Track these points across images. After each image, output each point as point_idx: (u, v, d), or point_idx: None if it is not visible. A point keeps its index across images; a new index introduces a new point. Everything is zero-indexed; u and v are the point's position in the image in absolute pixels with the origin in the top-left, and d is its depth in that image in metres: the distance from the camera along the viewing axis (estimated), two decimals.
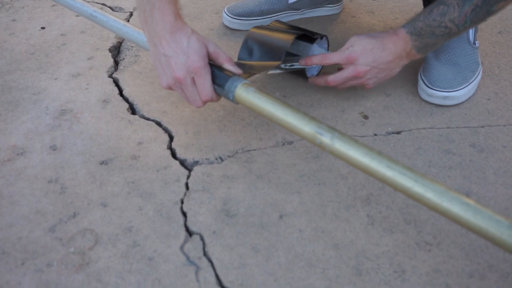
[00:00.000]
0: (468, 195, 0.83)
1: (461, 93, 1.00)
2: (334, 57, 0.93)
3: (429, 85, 1.01)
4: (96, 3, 1.42)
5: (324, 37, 1.06)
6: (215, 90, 0.82)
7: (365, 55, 0.90)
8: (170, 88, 0.84)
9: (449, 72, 1.01)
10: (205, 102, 0.83)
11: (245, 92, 0.78)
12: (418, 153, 0.91)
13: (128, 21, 1.32)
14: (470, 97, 1.03)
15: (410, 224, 0.79)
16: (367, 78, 0.93)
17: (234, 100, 0.80)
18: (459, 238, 0.77)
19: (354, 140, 0.67)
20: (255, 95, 0.76)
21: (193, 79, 0.80)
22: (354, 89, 1.06)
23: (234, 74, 0.81)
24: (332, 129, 0.69)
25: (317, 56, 0.95)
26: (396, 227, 0.78)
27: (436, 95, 1.00)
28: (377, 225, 0.79)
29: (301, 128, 0.71)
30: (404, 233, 0.77)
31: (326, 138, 0.68)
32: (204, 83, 0.80)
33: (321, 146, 0.69)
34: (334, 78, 0.94)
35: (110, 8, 1.39)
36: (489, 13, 0.80)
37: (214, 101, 0.84)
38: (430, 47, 0.89)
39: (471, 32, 1.05)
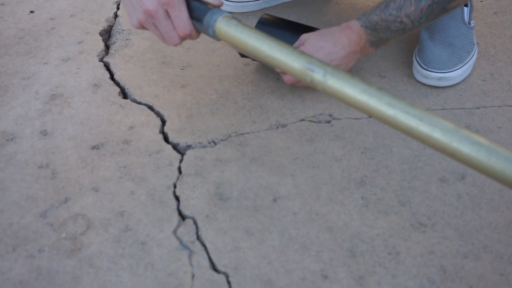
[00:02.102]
0: (463, 177, 0.83)
1: (456, 74, 0.99)
2: None
3: (424, 66, 0.99)
4: None
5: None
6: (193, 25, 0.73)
7: (317, 54, 0.87)
8: (141, 26, 0.75)
9: (444, 53, 1.00)
10: (183, 38, 0.74)
11: (226, 26, 0.68)
12: None
13: (119, 5, 1.30)
14: (465, 78, 1.02)
15: (405, 206, 0.78)
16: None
17: (215, 36, 0.70)
18: (453, 219, 0.76)
19: (349, 75, 0.60)
20: (238, 29, 0.67)
21: (166, 12, 0.71)
22: (348, 71, 1.05)
23: (214, 6, 0.71)
24: (325, 64, 0.61)
25: (284, 77, 0.94)
26: (391, 209, 0.78)
27: (431, 76, 0.98)
28: (372, 207, 0.78)
29: (290, 64, 0.62)
30: (398, 215, 0.77)
31: (318, 75, 0.60)
32: (179, 15, 0.71)
33: (312, 84, 0.62)
34: (288, 78, 0.92)
35: None
36: (444, 10, 0.79)
37: (193, 37, 0.75)
38: (384, 42, 0.88)
39: (466, 11, 1.04)
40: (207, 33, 0.71)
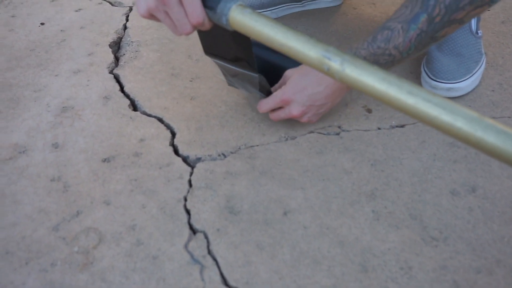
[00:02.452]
0: (474, 189, 0.83)
1: (465, 84, 0.99)
2: (268, 103, 0.90)
3: (433, 77, 0.99)
4: None
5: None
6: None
7: (299, 94, 0.86)
8: (150, 14, 0.71)
9: (452, 63, 1.00)
10: (194, 27, 0.71)
11: (240, 15, 0.66)
12: (423, 146, 0.91)
13: (128, 16, 1.31)
14: (474, 89, 1.02)
15: (416, 219, 0.78)
16: (308, 116, 0.90)
17: (228, 24, 0.68)
18: (465, 233, 0.76)
19: (368, 64, 0.59)
20: (252, 17, 0.65)
21: None
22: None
23: None
24: (342, 52, 0.60)
25: (259, 104, 0.93)
26: (402, 222, 0.78)
27: (440, 87, 0.99)
28: (383, 221, 0.78)
29: (306, 53, 0.61)
30: (410, 228, 0.77)
31: (335, 63, 0.59)
32: (193, 2, 0.67)
33: (329, 73, 0.61)
34: (263, 107, 0.91)
35: (110, 3, 1.38)
36: (433, 39, 0.76)
37: (206, 27, 0.71)
38: None
39: (473, 21, 1.04)
40: (220, 22, 0.69)
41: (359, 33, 1.19)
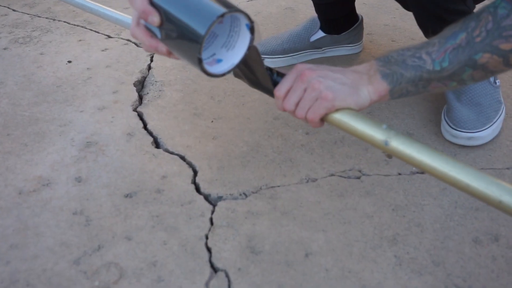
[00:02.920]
0: (496, 238, 0.82)
1: (486, 133, 1.00)
2: (286, 81, 0.73)
3: (453, 126, 1.01)
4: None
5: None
6: None
7: (315, 66, 0.74)
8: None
9: (472, 113, 1.02)
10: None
11: None
12: (443, 193, 0.91)
13: (152, 57, 1.35)
14: (494, 138, 1.03)
15: (439, 266, 0.77)
16: (315, 80, 0.70)
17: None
18: (489, 282, 0.75)
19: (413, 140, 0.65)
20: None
21: None
22: (391, 99, 1.06)
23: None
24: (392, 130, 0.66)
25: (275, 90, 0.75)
26: (425, 269, 0.77)
27: (461, 136, 1.00)
28: (405, 266, 0.77)
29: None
30: (433, 275, 0.76)
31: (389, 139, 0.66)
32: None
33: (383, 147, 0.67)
34: (278, 88, 0.73)
35: (135, 44, 1.42)
36: (471, 60, 0.68)
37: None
38: (398, 81, 0.71)
39: None
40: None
41: None
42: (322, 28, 1.28)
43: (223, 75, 0.66)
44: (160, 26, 0.63)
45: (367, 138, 0.69)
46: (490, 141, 1.02)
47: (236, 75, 0.77)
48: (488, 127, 1.01)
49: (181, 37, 0.61)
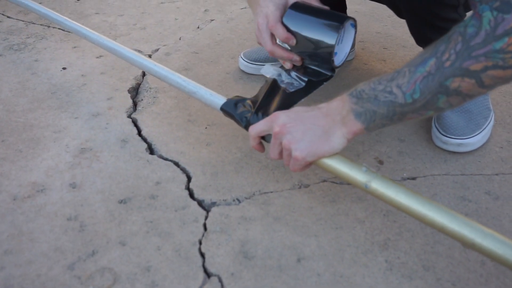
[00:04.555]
0: None
1: (475, 140, 1.02)
2: (259, 125, 0.81)
3: (443, 133, 1.02)
4: None
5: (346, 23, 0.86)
6: None
7: (288, 112, 0.78)
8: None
9: (461, 119, 1.04)
10: None
11: None
12: (434, 199, 0.92)
13: None
14: (483, 144, 1.05)
15: (429, 271, 0.79)
16: (286, 140, 0.75)
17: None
18: (478, 286, 0.76)
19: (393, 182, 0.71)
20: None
21: None
22: (368, 134, 1.08)
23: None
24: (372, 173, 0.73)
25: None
26: (415, 273, 0.78)
27: (451, 142, 1.01)
28: (396, 271, 0.79)
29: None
30: (423, 280, 0.77)
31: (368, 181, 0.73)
32: None
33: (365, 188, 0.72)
34: (252, 129, 0.82)
35: None
36: (442, 87, 0.64)
37: None
38: (372, 118, 0.71)
39: None
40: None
41: None
42: None
43: (343, 64, 0.92)
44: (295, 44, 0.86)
45: (349, 181, 0.75)
46: (479, 147, 1.04)
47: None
48: (478, 134, 1.03)
49: (315, 49, 0.85)
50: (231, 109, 0.88)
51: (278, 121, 0.77)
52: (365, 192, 0.73)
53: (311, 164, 0.77)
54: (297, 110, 0.78)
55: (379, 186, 0.70)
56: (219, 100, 0.89)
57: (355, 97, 0.73)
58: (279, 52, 0.87)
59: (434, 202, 0.68)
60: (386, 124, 0.72)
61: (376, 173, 0.72)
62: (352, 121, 0.73)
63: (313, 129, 0.74)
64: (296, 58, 0.88)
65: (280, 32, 0.85)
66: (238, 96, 0.89)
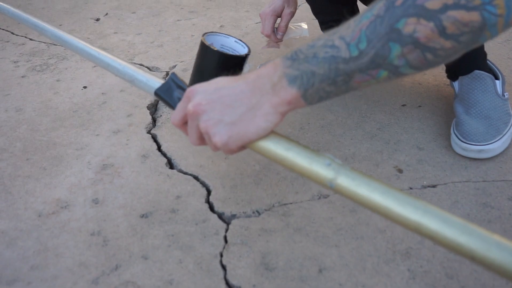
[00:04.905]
0: None
1: (496, 146, 1.01)
2: (177, 109, 0.67)
3: (463, 139, 1.02)
4: (135, 63, 1.49)
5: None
6: None
7: (207, 86, 0.63)
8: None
9: (481, 126, 1.03)
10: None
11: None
12: (455, 206, 0.91)
13: None
14: (504, 150, 1.04)
15: (453, 279, 0.78)
16: (206, 120, 0.60)
17: None
18: None
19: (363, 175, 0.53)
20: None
21: None
22: (387, 143, 1.08)
23: None
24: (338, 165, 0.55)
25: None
26: (439, 282, 0.77)
27: (471, 149, 1.00)
28: (419, 280, 0.78)
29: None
30: None
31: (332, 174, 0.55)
32: None
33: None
34: (173, 118, 0.67)
35: (148, 68, 1.46)
36: (393, 31, 0.52)
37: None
38: (309, 82, 0.56)
39: (498, 84, 1.07)
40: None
41: (386, 97, 1.24)
42: None
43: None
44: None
45: (304, 173, 0.57)
46: (500, 153, 1.03)
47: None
48: (498, 140, 1.02)
49: None
50: (164, 93, 0.71)
51: (194, 98, 0.62)
52: (330, 190, 0.57)
53: (244, 148, 0.63)
54: (217, 82, 0.62)
55: (349, 183, 0.53)
56: (155, 83, 0.73)
57: (289, 59, 0.58)
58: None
59: (431, 205, 0.51)
60: (329, 92, 0.57)
61: (344, 165, 0.55)
62: (285, 88, 0.58)
63: (234, 106, 0.59)
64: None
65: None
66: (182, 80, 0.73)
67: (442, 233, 0.48)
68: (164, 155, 1.10)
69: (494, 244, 0.47)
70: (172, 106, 0.71)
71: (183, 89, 0.70)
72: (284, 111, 0.59)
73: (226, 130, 0.60)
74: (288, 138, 0.60)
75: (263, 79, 0.59)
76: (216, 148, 0.63)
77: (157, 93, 0.72)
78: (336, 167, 0.55)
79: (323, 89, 0.57)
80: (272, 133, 0.60)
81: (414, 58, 0.52)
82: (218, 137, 0.60)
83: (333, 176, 0.54)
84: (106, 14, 1.89)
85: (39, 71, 1.48)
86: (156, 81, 0.73)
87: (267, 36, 1.27)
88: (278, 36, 1.28)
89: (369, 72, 0.54)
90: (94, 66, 1.48)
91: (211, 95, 0.61)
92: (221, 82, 0.62)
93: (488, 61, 1.12)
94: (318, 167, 0.55)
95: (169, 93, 0.71)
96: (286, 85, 0.58)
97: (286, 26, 1.27)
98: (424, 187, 0.96)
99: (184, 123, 0.66)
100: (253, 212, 0.93)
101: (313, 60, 0.56)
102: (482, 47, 1.09)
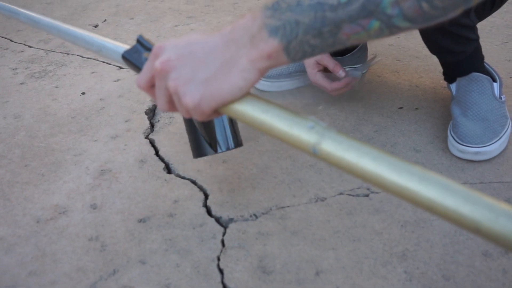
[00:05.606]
0: (506, 251, 0.82)
1: (493, 148, 1.01)
2: (144, 68, 0.59)
3: (460, 142, 1.02)
4: None
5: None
6: None
7: (177, 41, 0.56)
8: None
9: (478, 128, 1.03)
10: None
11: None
12: None
13: None
14: (501, 152, 1.04)
15: (449, 281, 0.78)
16: (175, 78, 0.54)
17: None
18: None
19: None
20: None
21: None
22: (384, 145, 1.08)
23: None
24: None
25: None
26: (435, 284, 0.77)
27: (468, 151, 1.01)
28: (416, 282, 0.78)
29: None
30: None
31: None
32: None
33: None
34: (139, 78, 0.59)
35: None
36: None
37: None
38: (293, 32, 0.50)
39: (495, 86, 1.08)
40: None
41: (383, 99, 1.24)
42: None
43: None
44: None
45: (285, 139, 0.50)
46: (497, 155, 1.03)
47: None
48: (495, 142, 1.02)
49: None
50: (132, 56, 0.65)
51: (162, 55, 0.55)
52: (313, 156, 0.49)
53: (218, 113, 0.56)
54: (189, 37, 0.56)
55: (335, 148, 0.47)
56: (122, 48, 0.67)
57: (270, 8, 0.51)
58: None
59: (429, 171, 0.43)
60: (314, 46, 0.51)
61: (330, 128, 0.48)
62: (265, 39, 0.51)
63: (207, 62, 0.53)
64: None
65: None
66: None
67: (442, 203, 0.41)
68: (162, 159, 1.10)
69: (502, 213, 0.40)
70: (141, 69, 0.63)
71: (151, 50, 0.61)
72: (263, 68, 0.52)
73: (198, 88, 0.53)
74: (267, 100, 0.53)
75: (240, 30, 0.52)
76: (187, 111, 0.55)
77: (124, 56, 0.66)
78: (320, 130, 0.47)
79: (307, 41, 0.50)
80: (248, 94, 0.54)
81: (409, 7, 0.46)
82: (189, 97, 0.53)
83: (316, 140, 0.47)
84: (105, 20, 1.90)
85: (37, 77, 1.49)
86: (124, 47, 0.67)
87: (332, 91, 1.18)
88: (341, 75, 1.17)
89: (359, 22, 0.48)
90: (92, 72, 1.49)
91: (181, 50, 0.54)
92: (194, 36, 0.55)
93: (485, 64, 1.12)
94: (300, 131, 0.48)
95: (137, 56, 0.65)
96: (267, 37, 0.50)
97: (337, 64, 1.17)
98: None
99: (151, 86, 0.58)
100: (251, 216, 0.93)
101: (297, 8, 0.49)
102: (479, 49, 1.09)
